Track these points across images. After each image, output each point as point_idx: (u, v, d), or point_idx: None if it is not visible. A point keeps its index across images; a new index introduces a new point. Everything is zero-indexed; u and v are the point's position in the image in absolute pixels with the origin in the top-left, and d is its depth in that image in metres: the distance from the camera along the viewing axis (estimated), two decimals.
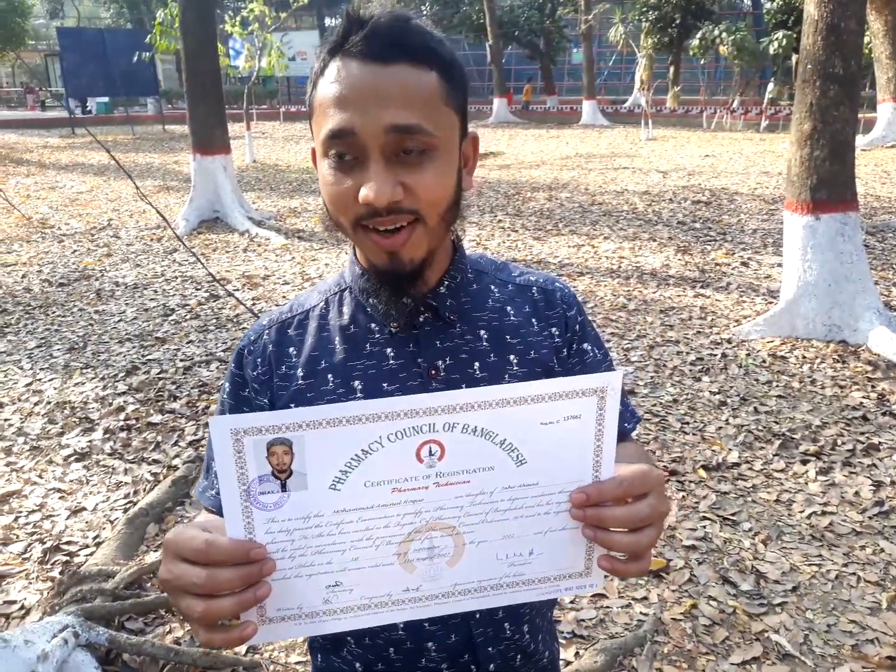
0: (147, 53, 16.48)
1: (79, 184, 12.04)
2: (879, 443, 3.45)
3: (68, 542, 2.81)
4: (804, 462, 3.34)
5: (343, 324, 0.90)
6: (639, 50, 24.79)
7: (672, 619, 2.42)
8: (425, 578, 0.72)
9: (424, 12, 29.70)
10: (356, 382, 0.87)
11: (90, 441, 3.56)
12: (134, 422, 3.74)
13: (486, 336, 0.90)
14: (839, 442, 3.49)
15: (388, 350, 0.88)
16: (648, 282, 6.16)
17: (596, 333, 1.00)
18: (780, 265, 6.00)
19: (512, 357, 0.90)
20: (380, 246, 0.79)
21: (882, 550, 2.72)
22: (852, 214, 4.66)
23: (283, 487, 0.65)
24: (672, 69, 26.95)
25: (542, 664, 1.00)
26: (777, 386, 4.11)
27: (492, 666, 0.93)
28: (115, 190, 11.33)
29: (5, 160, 15.27)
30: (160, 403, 3.94)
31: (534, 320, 0.94)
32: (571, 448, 0.70)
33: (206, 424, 3.68)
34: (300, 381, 0.87)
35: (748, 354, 4.54)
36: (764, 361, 4.44)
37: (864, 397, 3.92)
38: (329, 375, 0.87)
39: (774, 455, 3.40)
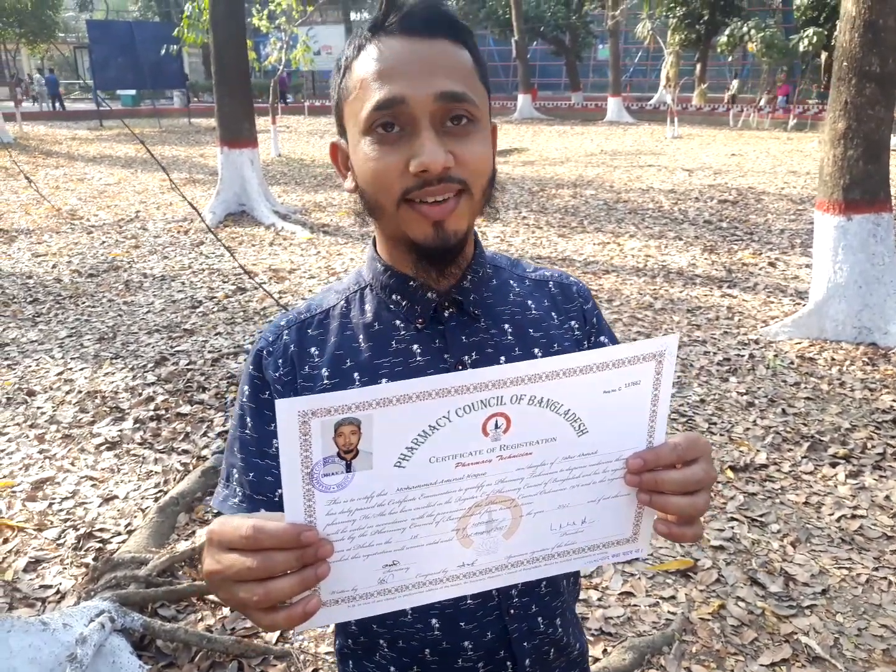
0: (174, 46, 16.62)
1: (107, 176, 12.18)
2: None
3: (101, 530, 2.86)
4: (833, 465, 3.31)
5: (367, 321, 0.89)
6: (665, 46, 24.55)
7: (700, 618, 2.42)
8: (481, 552, 0.72)
9: (457, 3, 29.68)
10: (384, 380, 0.86)
11: (121, 430, 3.61)
12: (163, 412, 3.79)
13: (510, 330, 0.91)
14: (869, 445, 3.45)
15: (415, 346, 0.87)
16: (675, 281, 6.12)
17: (608, 326, 1.03)
18: (807, 266, 5.95)
19: (536, 350, 0.91)
20: (427, 216, 0.78)
21: None
22: (885, 215, 4.60)
23: (348, 468, 0.63)
24: (699, 66, 26.68)
25: (573, 657, 1.01)
26: (805, 388, 4.07)
27: (527, 661, 0.93)
28: (143, 182, 11.45)
29: (35, 152, 15.48)
30: (189, 394, 3.98)
31: (553, 314, 0.95)
32: (629, 415, 0.71)
33: None
34: (325, 381, 0.86)
35: (776, 355, 4.50)
36: (792, 363, 4.40)
37: (894, 401, 3.87)
38: (355, 374, 0.86)
39: (803, 457, 3.37)
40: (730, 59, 26.74)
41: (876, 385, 4.07)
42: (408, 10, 0.78)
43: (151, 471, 3.27)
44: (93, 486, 3.17)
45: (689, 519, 0.73)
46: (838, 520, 2.92)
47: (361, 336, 0.88)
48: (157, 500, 3.01)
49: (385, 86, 0.76)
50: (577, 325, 0.96)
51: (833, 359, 4.44)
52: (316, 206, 9.61)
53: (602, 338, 0.99)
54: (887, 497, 3.05)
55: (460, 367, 0.86)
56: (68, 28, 44.08)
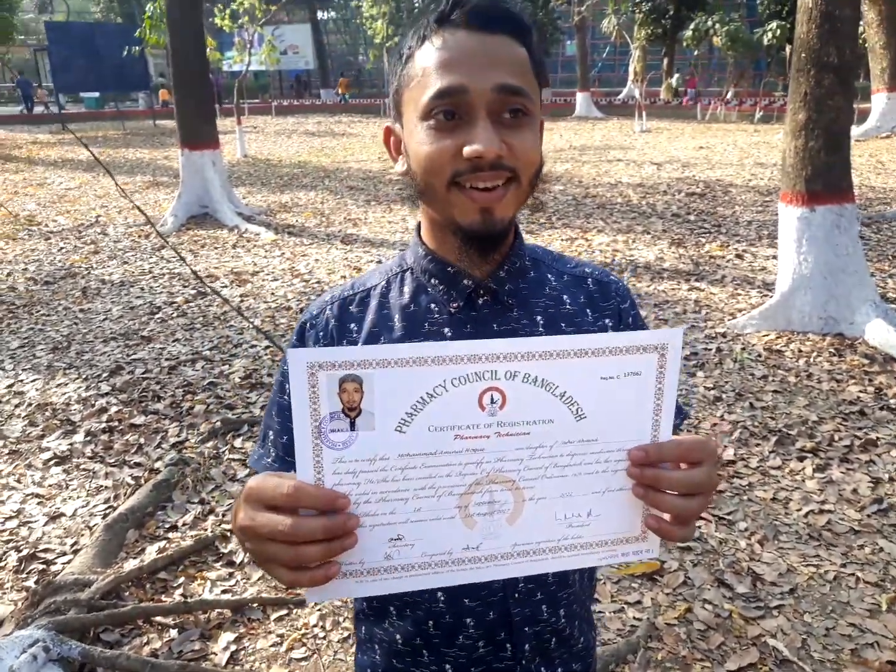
0: (137, 48, 16.35)
1: (67, 180, 11.91)
2: (877, 438, 3.39)
3: (45, 550, 2.73)
4: (801, 459, 3.27)
5: (403, 303, 0.93)
6: (632, 41, 24.65)
7: (666, 623, 2.35)
8: (485, 535, 0.72)
9: (417, 4, 29.47)
10: None
11: (71, 444, 3.48)
12: (116, 423, 3.66)
13: (542, 322, 0.93)
14: (836, 438, 3.42)
15: (446, 330, 0.90)
16: (642, 275, 6.08)
17: (645, 326, 1.02)
18: (775, 257, 5.93)
19: None
20: (476, 202, 0.81)
21: (881, 550, 2.66)
22: (848, 206, 4.58)
23: (352, 426, 0.66)
24: (666, 60, 26.83)
25: (576, 650, 1.01)
26: (773, 381, 4.04)
27: (527, 646, 0.94)
28: (104, 186, 11.19)
29: None
30: (143, 404, 3.85)
31: (588, 311, 0.96)
32: (631, 406, 0.71)
33: (191, 426, 3.61)
34: None
35: (743, 349, 4.47)
36: (759, 356, 4.37)
37: (861, 391, 3.85)
38: None
39: (771, 452, 3.33)
40: (695, 52, 26.91)
41: (843, 376, 4.05)
42: (473, 5, 0.81)
43: (101, 486, 3.14)
44: (39, 503, 3.03)
45: (682, 520, 0.73)
46: (806, 515, 2.88)
47: (397, 316, 0.92)
48: (105, 516, 2.88)
49: (447, 75, 0.80)
50: (611, 324, 0.97)
51: (800, 350, 4.41)
52: (281, 206, 9.46)
53: None
54: (854, 490, 3.02)
55: None
56: (28, 30, 43.25)
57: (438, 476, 0.69)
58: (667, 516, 0.73)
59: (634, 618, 2.38)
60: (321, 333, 0.93)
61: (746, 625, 2.34)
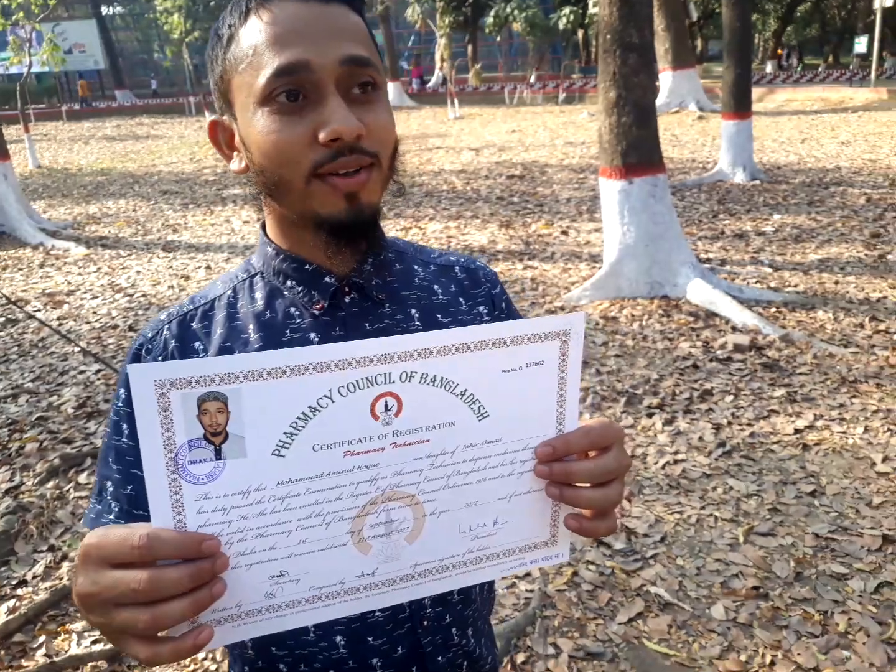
0: None
1: None
2: (712, 388, 3.70)
3: None
4: (650, 415, 3.50)
5: (257, 310, 0.82)
6: (437, 29, 25.14)
7: (557, 590, 2.43)
8: (382, 559, 0.65)
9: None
10: None
11: None
12: None
13: (416, 315, 0.86)
14: (677, 392, 3.69)
15: (312, 335, 0.81)
16: (478, 258, 6.23)
17: (517, 310, 0.99)
18: (597, 230, 6.30)
19: None
20: (339, 189, 0.72)
21: (731, 488, 2.91)
22: (661, 176, 4.95)
23: (218, 454, 0.56)
24: (470, 47, 27.64)
25: (485, 670, 0.96)
26: (613, 346, 4.29)
27: None
28: None
29: None
30: None
31: (461, 299, 0.91)
32: (534, 398, 0.67)
33: (24, 468, 3.24)
34: None
35: None
36: (598, 324, 4.62)
37: (691, 347, 4.18)
38: None
39: (622, 412, 3.54)
40: (497, 38, 27.91)
41: (673, 335, 4.37)
42: None
43: None
44: None
45: (603, 512, 0.69)
46: (663, 467, 3.09)
47: (251, 326, 0.81)
48: None
49: (285, 50, 0.70)
50: (485, 311, 0.92)
51: (633, 315, 4.72)
52: (90, 218, 8.73)
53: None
54: (700, 438, 3.28)
55: None
56: None
57: (326, 501, 0.61)
58: (587, 512, 0.69)
59: (527, 590, 2.45)
60: (160, 357, 0.81)
61: (629, 578, 2.47)
